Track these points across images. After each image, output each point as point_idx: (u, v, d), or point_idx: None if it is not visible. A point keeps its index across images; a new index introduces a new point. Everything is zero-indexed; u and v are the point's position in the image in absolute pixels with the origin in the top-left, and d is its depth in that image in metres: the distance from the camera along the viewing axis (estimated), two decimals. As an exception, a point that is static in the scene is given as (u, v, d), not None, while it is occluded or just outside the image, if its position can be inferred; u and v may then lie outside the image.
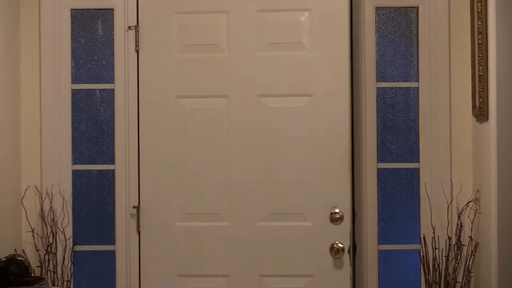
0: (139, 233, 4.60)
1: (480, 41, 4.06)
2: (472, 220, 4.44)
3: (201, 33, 4.56)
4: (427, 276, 4.45)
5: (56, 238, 4.57)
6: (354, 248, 4.55)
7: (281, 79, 4.50)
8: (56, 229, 4.57)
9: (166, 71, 4.57)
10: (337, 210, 4.43)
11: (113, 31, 4.66)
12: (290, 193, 4.48)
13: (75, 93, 4.68)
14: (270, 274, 4.49)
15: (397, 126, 4.62)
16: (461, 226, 4.45)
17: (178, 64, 4.56)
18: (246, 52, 4.53)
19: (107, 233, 4.65)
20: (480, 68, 4.07)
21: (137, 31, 4.60)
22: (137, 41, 4.60)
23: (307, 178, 4.46)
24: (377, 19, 4.61)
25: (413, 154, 4.61)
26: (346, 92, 4.44)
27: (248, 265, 4.50)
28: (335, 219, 4.43)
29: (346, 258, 4.43)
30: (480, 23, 4.05)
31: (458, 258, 4.43)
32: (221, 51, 4.54)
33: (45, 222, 4.58)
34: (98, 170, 4.68)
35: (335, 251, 4.42)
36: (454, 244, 4.44)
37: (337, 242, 4.43)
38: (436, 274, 4.43)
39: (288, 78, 4.50)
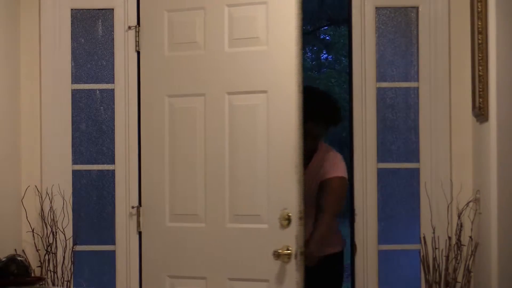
0: (139, 233, 4.60)
1: (480, 41, 4.06)
2: (472, 220, 4.44)
3: (185, 31, 4.45)
4: (427, 276, 4.45)
5: (56, 238, 4.57)
6: (354, 248, 4.55)
7: (244, 76, 4.32)
8: (56, 229, 4.57)
9: (159, 70, 4.51)
10: (286, 212, 4.12)
11: (113, 31, 4.66)
12: (250, 194, 4.26)
13: (75, 93, 4.68)
14: (237, 278, 4.30)
15: (397, 126, 4.63)
16: (461, 226, 4.45)
17: (169, 62, 4.49)
18: (217, 49, 4.37)
19: (107, 233, 4.65)
20: (480, 68, 4.07)
21: (137, 31, 4.60)
22: (137, 41, 4.60)
23: (264, 178, 4.23)
24: (377, 19, 4.61)
25: (413, 154, 4.61)
26: (295, 89, 4.13)
27: (220, 267, 4.34)
28: (284, 222, 4.13)
29: (293, 263, 4.10)
30: (480, 23, 4.06)
31: (458, 258, 4.43)
32: (199, 48, 4.43)
33: (45, 222, 4.58)
34: (98, 170, 4.68)
35: (277, 256, 4.10)
36: (454, 244, 4.45)
37: (287, 246, 4.10)
38: (436, 274, 4.43)
39: (248, 74, 4.29)
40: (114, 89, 4.66)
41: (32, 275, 4.11)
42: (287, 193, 4.13)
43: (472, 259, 4.40)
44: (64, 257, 4.58)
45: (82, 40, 4.70)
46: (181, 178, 4.44)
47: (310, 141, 4.59)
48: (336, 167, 4.61)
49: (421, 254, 4.50)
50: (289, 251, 4.10)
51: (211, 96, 4.38)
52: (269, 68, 4.24)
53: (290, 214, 4.11)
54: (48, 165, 4.62)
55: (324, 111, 4.66)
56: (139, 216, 4.58)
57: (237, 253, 4.29)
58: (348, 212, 4.62)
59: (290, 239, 4.11)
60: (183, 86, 4.46)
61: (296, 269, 4.10)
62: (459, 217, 4.46)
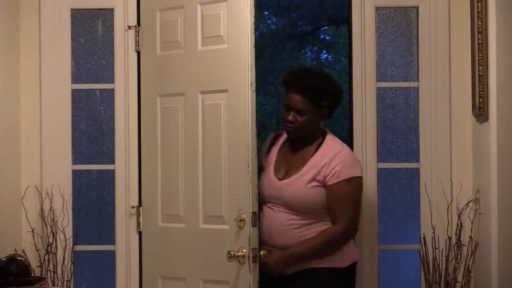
0: (139, 233, 4.60)
1: (480, 41, 4.06)
2: (472, 220, 4.44)
3: (170, 30, 4.44)
4: (427, 276, 4.45)
5: (56, 238, 4.57)
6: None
7: (211, 75, 4.27)
8: (56, 229, 4.57)
9: (153, 69, 4.51)
10: (241, 213, 4.05)
11: (113, 31, 4.66)
12: (216, 194, 4.21)
13: (75, 93, 4.68)
14: (207, 279, 4.25)
15: (397, 126, 4.63)
16: (461, 226, 4.45)
17: (160, 62, 4.48)
18: (193, 48, 4.34)
19: (107, 233, 4.65)
20: (480, 68, 4.07)
21: (137, 31, 4.60)
22: (137, 41, 4.60)
23: (226, 179, 4.18)
24: (377, 19, 4.62)
25: (413, 154, 4.61)
26: (248, 87, 4.05)
27: (196, 268, 4.29)
28: (240, 224, 4.05)
29: (246, 265, 4.02)
30: (480, 23, 4.06)
31: (458, 258, 4.43)
32: (180, 47, 4.40)
33: (45, 222, 4.58)
34: (98, 170, 4.68)
35: (231, 257, 4.03)
36: (454, 244, 4.45)
37: (242, 248, 4.04)
38: (436, 274, 4.43)
39: (214, 73, 4.24)
40: (114, 89, 4.66)
41: (32, 275, 4.11)
42: (241, 194, 4.06)
43: (472, 259, 4.40)
44: (64, 257, 4.58)
45: (82, 40, 4.70)
46: (169, 177, 4.43)
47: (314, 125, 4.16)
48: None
49: (421, 254, 4.50)
50: (243, 253, 4.03)
51: (188, 95, 4.34)
52: (229, 66, 4.17)
53: (244, 216, 4.04)
54: (48, 165, 4.62)
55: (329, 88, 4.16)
56: (139, 216, 4.58)
57: (207, 254, 4.25)
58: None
59: (244, 240, 4.06)
60: (170, 86, 4.43)
61: (249, 271, 4.01)
62: (459, 217, 4.46)
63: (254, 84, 4.06)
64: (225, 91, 4.18)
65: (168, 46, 4.44)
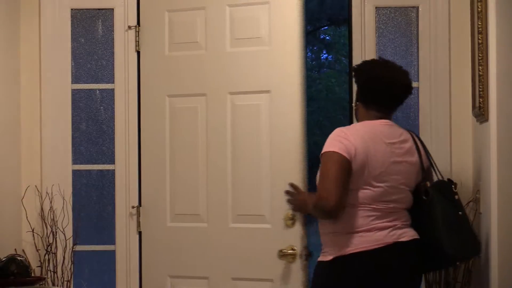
0: (139, 233, 4.60)
1: (480, 41, 4.06)
2: (472, 220, 4.43)
3: (185, 31, 4.48)
4: (427, 276, 4.45)
5: (56, 238, 4.57)
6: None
7: (245, 75, 4.34)
8: (56, 229, 4.57)
9: (160, 70, 4.53)
10: (291, 213, 4.14)
11: (113, 31, 4.66)
12: (254, 194, 4.29)
13: (75, 93, 4.68)
14: (241, 278, 4.33)
15: (397, 126, 4.62)
16: (461, 226, 4.44)
17: (169, 62, 4.51)
18: (218, 49, 4.40)
19: (107, 233, 4.65)
20: (480, 68, 4.07)
21: (137, 31, 4.60)
22: (137, 41, 4.60)
23: (266, 179, 4.26)
24: (377, 19, 4.61)
25: (413, 154, 4.60)
26: (297, 89, 4.19)
27: (225, 267, 4.36)
28: (288, 222, 4.17)
29: (298, 263, 4.17)
30: (480, 23, 4.05)
31: (458, 258, 4.43)
32: (200, 48, 4.45)
33: (45, 222, 4.58)
34: (98, 170, 4.69)
35: (282, 255, 4.15)
36: (454, 244, 4.44)
37: (291, 246, 4.17)
38: (436, 274, 4.43)
39: (249, 74, 4.33)
40: (114, 89, 4.66)
41: (32, 275, 4.11)
42: None
43: (472, 259, 4.39)
44: (64, 257, 4.58)
45: (82, 40, 4.70)
46: (182, 178, 4.46)
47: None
48: None
49: (421, 254, 4.49)
50: (294, 251, 4.15)
51: (212, 96, 4.39)
52: (271, 68, 4.26)
53: (292, 214, 4.13)
54: (48, 165, 4.62)
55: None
56: (139, 216, 4.58)
57: (240, 252, 4.31)
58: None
59: (295, 239, 4.17)
60: (184, 86, 4.47)
61: (302, 268, 4.16)
62: (459, 217, 4.45)
63: (303, 85, 4.19)
64: (267, 92, 4.27)
65: (181, 47, 4.47)
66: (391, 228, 3.72)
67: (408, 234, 3.75)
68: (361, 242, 3.68)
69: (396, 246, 3.70)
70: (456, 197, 3.85)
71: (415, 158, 3.81)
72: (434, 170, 3.92)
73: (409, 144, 3.83)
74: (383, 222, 3.71)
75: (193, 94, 4.45)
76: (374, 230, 3.69)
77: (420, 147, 3.86)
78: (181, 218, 4.47)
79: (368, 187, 3.70)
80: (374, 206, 3.71)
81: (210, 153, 4.40)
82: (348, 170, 3.65)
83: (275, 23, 4.27)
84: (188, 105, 4.45)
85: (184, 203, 4.46)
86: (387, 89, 3.83)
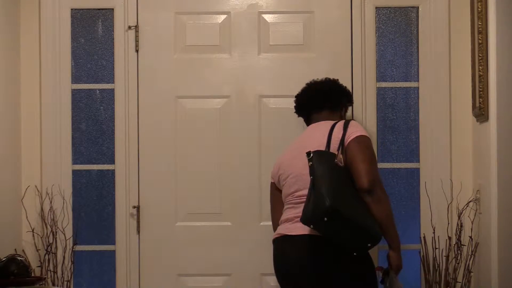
0: (139, 233, 4.60)
1: (480, 41, 4.06)
2: (472, 220, 4.44)
3: (202, 34, 4.59)
4: (427, 276, 4.45)
5: (56, 238, 4.57)
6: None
7: (282, 80, 4.56)
8: (56, 229, 4.57)
9: (166, 71, 4.59)
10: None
11: (113, 31, 4.66)
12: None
13: (75, 93, 4.68)
14: (270, 273, 4.34)
15: (397, 126, 4.62)
16: (461, 226, 4.45)
17: (179, 64, 4.59)
18: (247, 54, 4.58)
19: (107, 233, 4.65)
20: (480, 68, 4.07)
21: (137, 31, 4.60)
22: (137, 41, 4.60)
23: None
24: (377, 19, 4.61)
25: (413, 154, 4.61)
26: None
27: (249, 264, 4.54)
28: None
29: None
30: (480, 23, 4.05)
31: (458, 258, 4.43)
32: (222, 51, 4.58)
33: (45, 222, 4.58)
34: (98, 170, 4.68)
35: None
36: (454, 244, 4.45)
37: None
38: (436, 274, 4.43)
39: (288, 80, 4.54)
40: (114, 89, 4.66)
41: (32, 275, 4.10)
42: None
43: (472, 259, 4.39)
44: (64, 257, 4.58)
45: (82, 40, 4.69)
46: (193, 178, 4.58)
47: None
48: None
49: (421, 254, 4.50)
50: None
51: (237, 98, 4.58)
52: (317, 75, 4.33)
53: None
54: (48, 165, 4.62)
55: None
56: (139, 216, 4.58)
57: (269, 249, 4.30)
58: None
59: None
60: (200, 88, 4.60)
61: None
62: (459, 217, 4.46)
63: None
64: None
65: (195, 49, 4.58)
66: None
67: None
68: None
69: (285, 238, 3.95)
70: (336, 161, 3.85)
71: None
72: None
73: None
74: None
75: (212, 96, 4.59)
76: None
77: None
78: (198, 218, 4.57)
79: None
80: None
81: (235, 153, 4.56)
82: None
83: (321, 31, 4.55)
84: (206, 106, 4.59)
85: (200, 204, 4.57)
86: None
